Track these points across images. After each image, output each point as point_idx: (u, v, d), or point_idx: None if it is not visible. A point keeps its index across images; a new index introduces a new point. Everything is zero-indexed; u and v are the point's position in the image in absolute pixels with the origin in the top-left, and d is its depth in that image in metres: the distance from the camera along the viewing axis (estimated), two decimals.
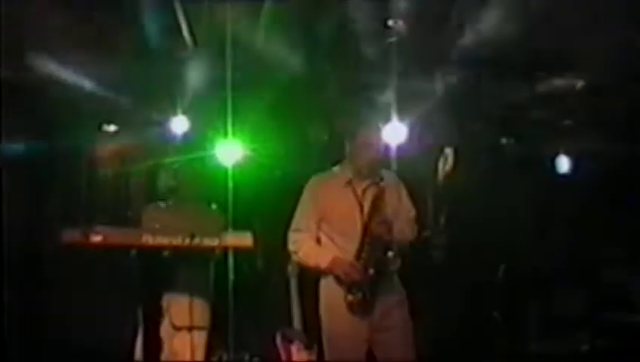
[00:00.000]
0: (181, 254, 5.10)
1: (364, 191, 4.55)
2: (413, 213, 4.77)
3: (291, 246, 4.67)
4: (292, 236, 4.67)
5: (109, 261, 6.11)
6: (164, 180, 5.72)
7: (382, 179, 4.50)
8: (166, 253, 5.10)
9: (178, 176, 5.71)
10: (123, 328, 5.66)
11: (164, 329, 5.44)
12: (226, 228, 5.23)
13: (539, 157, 6.94)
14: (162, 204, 5.71)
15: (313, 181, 4.73)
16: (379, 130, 4.66)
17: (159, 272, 5.42)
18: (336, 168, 4.74)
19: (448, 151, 6.97)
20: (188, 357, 5.34)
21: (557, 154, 6.94)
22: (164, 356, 5.42)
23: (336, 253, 4.53)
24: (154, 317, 5.48)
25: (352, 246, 4.50)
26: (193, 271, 5.39)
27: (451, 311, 6.44)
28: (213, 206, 5.62)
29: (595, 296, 6.51)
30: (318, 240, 4.62)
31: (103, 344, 6.13)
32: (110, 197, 6.83)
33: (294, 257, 4.73)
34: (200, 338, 5.45)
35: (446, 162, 6.98)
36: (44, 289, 6.52)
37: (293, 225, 4.68)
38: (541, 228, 6.96)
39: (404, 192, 4.75)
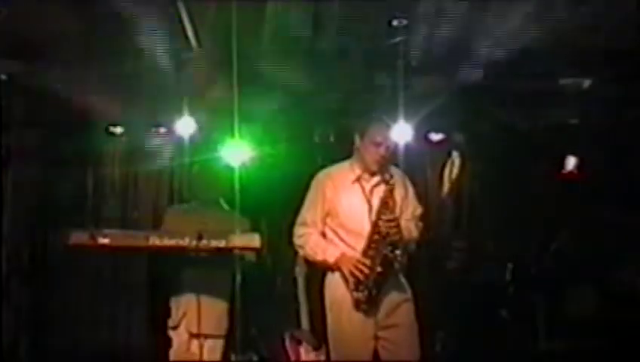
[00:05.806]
0: (206, 260, 5.11)
1: (372, 188, 4.52)
2: (419, 211, 4.72)
3: (297, 241, 4.63)
4: (298, 230, 4.63)
5: (121, 264, 6.19)
6: (184, 183, 5.71)
7: (392, 177, 4.44)
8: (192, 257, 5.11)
9: (198, 178, 5.70)
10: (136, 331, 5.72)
11: (180, 334, 5.41)
12: (252, 231, 5.21)
13: (546, 156, 6.92)
14: (184, 206, 5.70)
15: (321, 175, 4.68)
16: (389, 128, 4.64)
17: (178, 277, 5.42)
18: (344, 163, 4.69)
19: (455, 154, 6.97)
20: None
21: (565, 153, 6.93)
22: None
23: (342, 249, 4.49)
24: (167, 322, 5.48)
25: (359, 243, 4.45)
26: (213, 278, 5.32)
27: (459, 310, 6.43)
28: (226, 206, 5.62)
29: (603, 296, 6.48)
30: (324, 235, 4.58)
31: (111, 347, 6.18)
32: (117, 199, 6.83)
33: (300, 251, 4.69)
34: (216, 346, 5.44)
35: (453, 165, 6.98)
36: (56, 291, 6.53)
37: (300, 218, 4.64)
38: (549, 228, 6.94)
39: (410, 189, 4.69)
